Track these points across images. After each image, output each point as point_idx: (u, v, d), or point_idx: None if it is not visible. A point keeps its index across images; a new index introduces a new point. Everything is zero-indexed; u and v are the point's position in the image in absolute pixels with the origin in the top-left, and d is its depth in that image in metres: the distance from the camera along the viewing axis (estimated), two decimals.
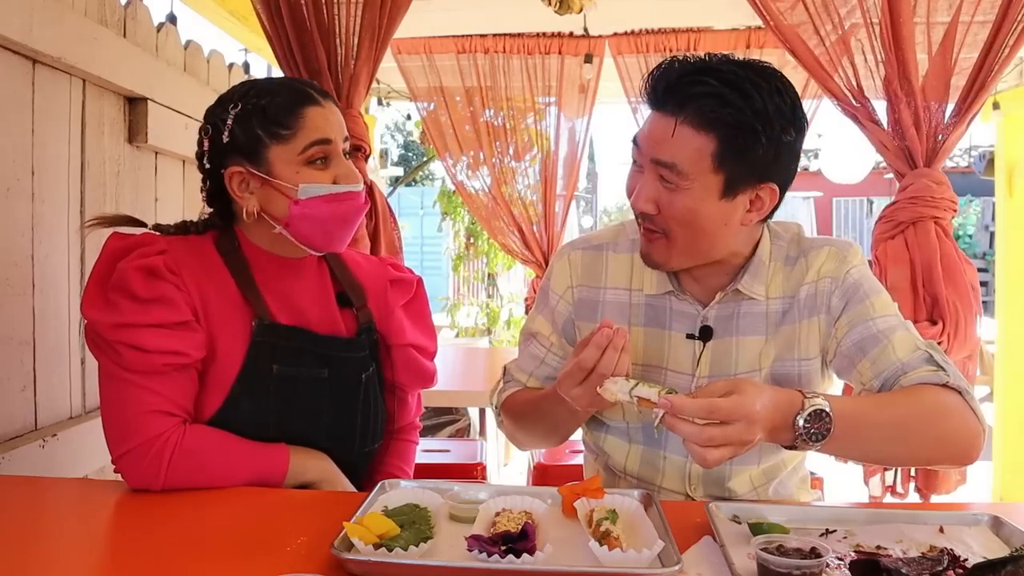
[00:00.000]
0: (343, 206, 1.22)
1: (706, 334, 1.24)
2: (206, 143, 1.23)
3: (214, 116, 1.22)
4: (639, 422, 1.28)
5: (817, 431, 1.00)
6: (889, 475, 2.31)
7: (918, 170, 2.16)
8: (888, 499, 2.30)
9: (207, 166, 1.24)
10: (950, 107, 2.15)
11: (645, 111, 1.16)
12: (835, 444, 1.02)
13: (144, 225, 1.28)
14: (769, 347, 1.23)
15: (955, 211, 2.19)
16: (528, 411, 1.32)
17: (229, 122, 1.19)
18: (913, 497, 2.29)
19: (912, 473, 2.28)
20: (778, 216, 1.30)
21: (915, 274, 2.18)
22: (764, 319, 1.24)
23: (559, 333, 1.34)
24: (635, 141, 1.16)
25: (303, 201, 1.19)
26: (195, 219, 1.31)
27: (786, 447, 1.05)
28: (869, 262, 1.32)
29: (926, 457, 1.15)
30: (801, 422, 1.00)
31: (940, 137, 2.16)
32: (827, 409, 1.00)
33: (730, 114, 1.05)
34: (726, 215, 1.13)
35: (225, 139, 1.20)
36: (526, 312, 4.55)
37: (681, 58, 1.12)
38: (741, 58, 1.11)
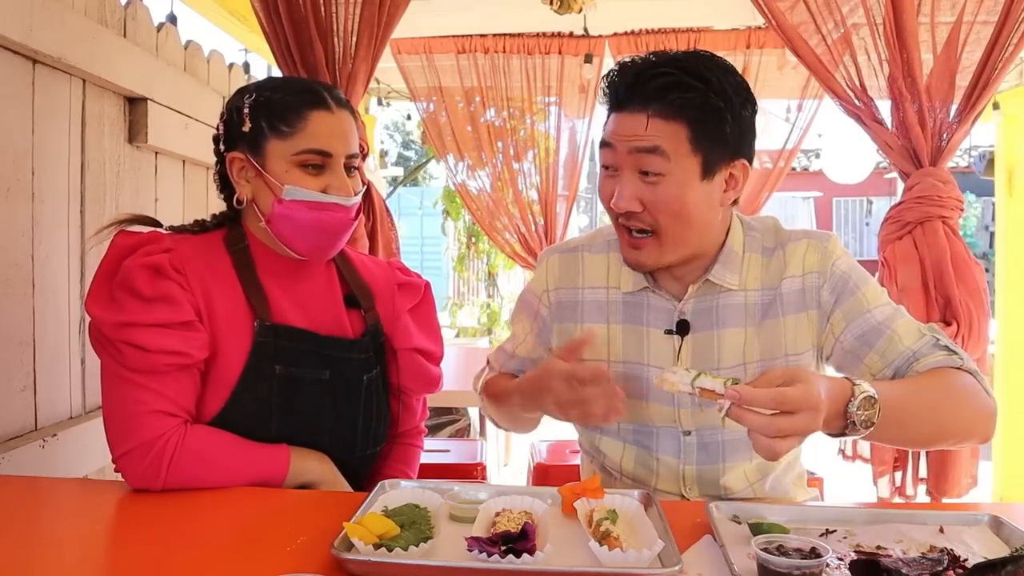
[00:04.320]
0: (327, 216, 1.21)
1: (683, 328, 1.24)
2: (221, 127, 1.27)
3: (232, 102, 1.26)
4: (630, 423, 1.28)
5: (867, 418, 1.00)
6: (898, 476, 2.30)
7: (924, 169, 2.16)
8: (897, 501, 2.28)
9: (220, 149, 1.27)
10: (954, 106, 2.16)
11: None
12: (878, 431, 1.02)
13: (158, 224, 1.28)
14: (752, 341, 1.24)
15: (962, 210, 2.19)
16: (500, 395, 1.37)
17: (245, 110, 1.22)
18: (922, 499, 2.26)
19: (923, 476, 2.26)
20: (779, 216, 1.31)
21: (925, 275, 2.17)
22: (743, 311, 1.24)
23: (535, 334, 1.37)
24: (606, 144, 1.17)
25: (286, 202, 1.19)
26: (206, 219, 1.31)
27: (833, 435, 1.03)
28: (876, 262, 1.32)
29: (953, 437, 1.16)
30: (853, 409, 0.99)
31: (945, 136, 2.15)
32: (875, 395, 0.99)
33: (695, 98, 1.10)
34: (709, 197, 1.16)
35: (235, 125, 1.23)
36: None
37: (632, 59, 1.17)
38: (682, 51, 1.18)
